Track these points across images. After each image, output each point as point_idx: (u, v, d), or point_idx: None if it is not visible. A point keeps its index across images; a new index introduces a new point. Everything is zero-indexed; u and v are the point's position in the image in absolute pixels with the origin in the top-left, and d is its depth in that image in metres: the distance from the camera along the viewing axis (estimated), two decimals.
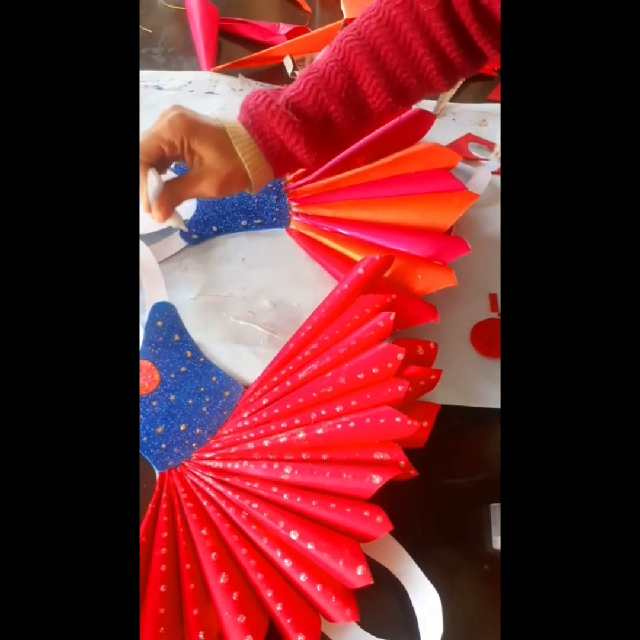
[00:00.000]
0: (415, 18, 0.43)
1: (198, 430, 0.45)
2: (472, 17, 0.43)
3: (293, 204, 0.58)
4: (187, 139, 0.43)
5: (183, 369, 0.48)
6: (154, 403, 0.46)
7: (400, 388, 0.41)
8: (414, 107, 0.64)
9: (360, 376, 0.42)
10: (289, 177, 0.60)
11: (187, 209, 0.57)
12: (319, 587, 0.36)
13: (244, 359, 0.49)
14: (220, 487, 0.41)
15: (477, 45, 0.45)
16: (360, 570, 0.36)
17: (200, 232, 0.56)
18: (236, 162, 0.44)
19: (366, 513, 0.37)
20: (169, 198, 0.44)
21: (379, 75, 0.45)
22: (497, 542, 0.41)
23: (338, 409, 0.42)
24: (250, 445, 0.42)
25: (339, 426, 0.41)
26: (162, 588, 0.36)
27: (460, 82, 0.51)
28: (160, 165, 0.44)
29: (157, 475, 0.43)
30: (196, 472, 0.43)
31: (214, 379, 0.47)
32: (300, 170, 0.58)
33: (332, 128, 0.46)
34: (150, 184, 0.43)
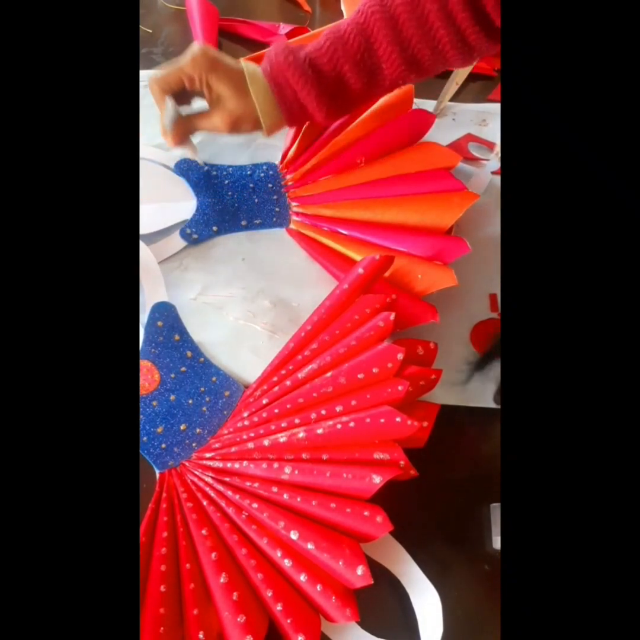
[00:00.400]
0: None
1: (198, 430, 0.45)
2: None
3: (293, 204, 0.58)
4: (206, 75, 0.46)
5: (183, 368, 0.48)
6: (154, 403, 0.46)
7: (400, 388, 0.41)
8: (414, 106, 0.65)
9: (360, 376, 0.42)
10: (289, 177, 0.60)
11: (188, 209, 0.57)
12: (319, 587, 0.36)
13: (244, 359, 0.49)
14: (220, 487, 0.41)
15: (494, 24, 0.46)
16: (360, 570, 0.36)
17: (200, 232, 0.56)
18: (249, 104, 0.47)
19: (366, 513, 0.37)
20: (184, 125, 0.49)
21: (395, 42, 0.46)
22: (497, 542, 0.41)
23: (338, 408, 0.42)
24: (250, 445, 0.42)
25: (339, 426, 0.41)
26: (162, 588, 0.36)
27: (475, 62, 0.52)
28: (180, 97, 0.48)
29: (157, 475, 0.43)
30: (196, 472, 0.43)
31: (214, 378, 0.47)
32: (304, 170, 0.58)
33: (344, 87, 0.48)
34: (166, 110, 0.48)
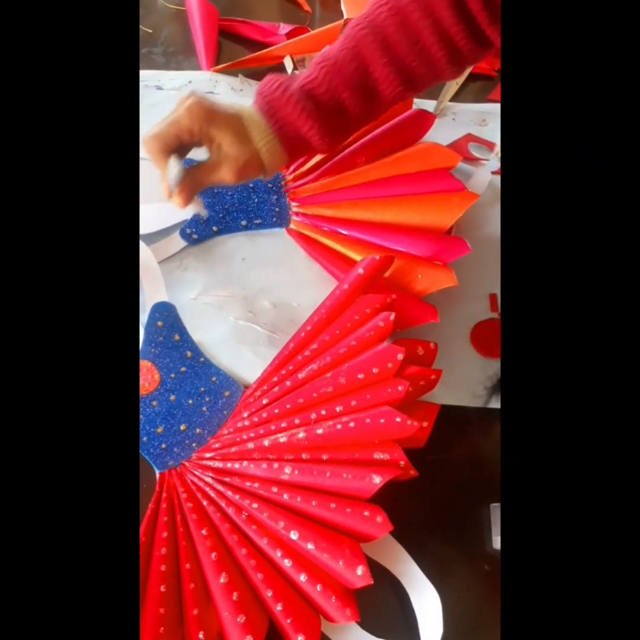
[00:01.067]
0: (425, 6, 0.44)
1: (198, 430, 0.45)
2: (480, 5, 0.43)
3: (293, 204, 0.58)
4: (206, 126, 0.43)
5: (183, 368, 0.48)
6: (154, 403, 0.46)
7: (400, 388, 0.41)
8: (414, 106, 0.65)
9: (360, 376, 0.42)
10: (289, 177, 0.60)
11: (186, 209, 0.57)
12: (319, 587, 0.36)
13: (244, 359, 0.49)
14: (220, 487, 0.41)
15: (485, 33, 0.45)
16: (360, 570, 0.36)
17: (200, 232, 0.56)
18: (252, 148, 0.45)
19: (366, 513, 0.37)
20: (190, 184, 0.45)
21: (390, 63, 0.46)
22: (497, 542, 0.41)
23: (338, 408, 0.42)
24: (250, 445, 0.42)
25: (339, 426, 0.41)
26: (162, 588, 0.36)
27: (467, 71, 0.52)
28: (179, 152, 0.45)
29: (157, 475, 0.43)
30: (196, 472, 0.43)
31: (214, 378, 0.47)
32: (302, 167, 0.58)
33: (344, 114, 0.47)
34: (170, 170, 0.44)
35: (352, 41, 0.46)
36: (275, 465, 0.41)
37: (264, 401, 0.45)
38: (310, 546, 0.37)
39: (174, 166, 0.44)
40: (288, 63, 0.72)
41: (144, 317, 0.49)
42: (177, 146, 0.44)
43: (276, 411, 0.44)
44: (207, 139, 0.44)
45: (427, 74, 0.47)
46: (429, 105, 0.68)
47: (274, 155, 0.46)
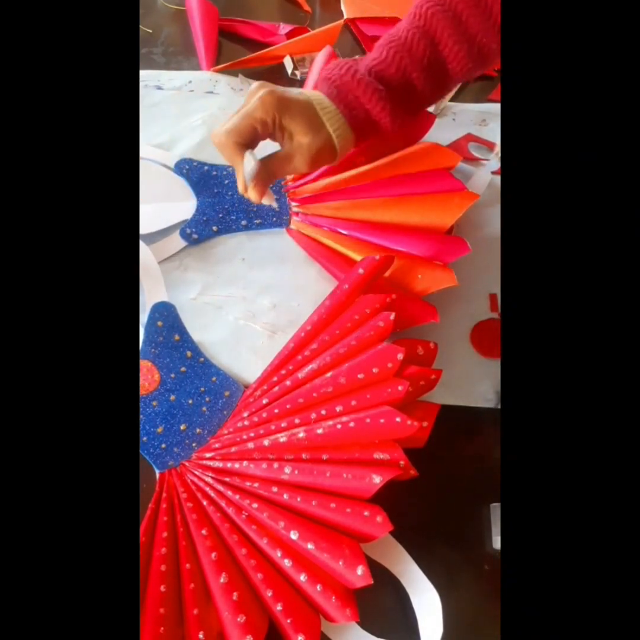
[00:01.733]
0: None
1: (198, 430, 0.45)
2: None
3: (293, 204, 0.58)
4: (279, 116, 0.43)
5: (183, 368, 0.48)
6: (154, 403, 0.46)
7: (400, 388, 0.41)
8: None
9: (360, 376, 0.42)
10: (289, 177, 0.60)
11: (188, 209, 0.57)
12: (319, 587, 0.36)
13: (244, 359, 0.49)
14: (220, 487, 0.41)
15: None
16: (360, 570, 0.36)
17: (200, 232, 0.56)
18: (325, 135, 0.45)
19: (366, 513, 0.37)
20: (264, 177, 0.45)
21: (461, 41, 0.46)
22: (497, 542, 0.41)
23: (338, 408, 0.42)
24: (250, 445, 0.42)
25: (339, 426, 0.41)
26: (162, 588, 0.36)
27: None
28: (252, 145, 0.44)
29: (157, 475, 0.43)
30: (196, 472, 0.43)
31: (214, 378, 0.47)
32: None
33: (414, 94, 0.47)
34: (247, 164, 0.43)
35: (421, 20, 0.46)
36: (275, 465, 0.41)
37: (264, 401, 0.45)
38: (310, 546, 0.37)
39: (250, 160, 0.43)
40: (288, 63, 0.72)
41: (143, 317, 0.49)
42: (251, 139, 0.44)
43: (276, 411, 0.44)
44: (279, 129, 0.44)
45: (496, 50, 0.47)
46: None
47: (345, 139, 0.46)
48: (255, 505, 0.39)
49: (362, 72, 0.45)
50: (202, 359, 0.48)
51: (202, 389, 0.47)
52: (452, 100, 0.70)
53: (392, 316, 0.44)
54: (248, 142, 0.44)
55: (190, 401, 0.46)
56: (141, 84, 0.69)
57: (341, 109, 0.45)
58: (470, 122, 0.69)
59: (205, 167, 0.60)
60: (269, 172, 0.45)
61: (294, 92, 0.45)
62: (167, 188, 0.59)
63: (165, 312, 0.50)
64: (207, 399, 0.46)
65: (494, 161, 0.63)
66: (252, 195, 0.45)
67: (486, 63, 0.49)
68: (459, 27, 0.45)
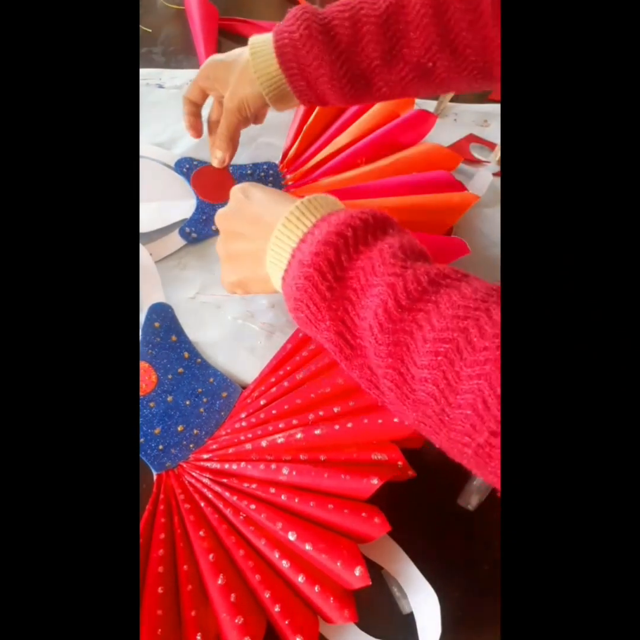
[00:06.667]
0: None
1: (195, 431, 0.45)
2: None
3: None
4: (214, 78, 0.51)
5: (180, 370, 0.47)
6: (152, 404, 0.45)
7: None
8: (416, 107, 0.64)
9: None
10: (290, 176, 0.60)
11: (187, 208, 0.57)
12: (317, 588, 0.36)
13: (242, 359, 0.49)
14: (217, 488, 0.41)
15: None
16: (358, 571, 0.35)
17: (199, 231, 0.56)
18: (254, 88, 0.49)
19: (364, 514, 0.37)
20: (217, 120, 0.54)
21: (434, 17, 0.42)
22: (474, 501, 0.41)
23: (336, 409, 0.42)
24: (248, 446, 0.42)
25: (336, 427, 0.40)
26: (160, 589, 0.36)
27: None
28: (201, 100, 0.55)
29: (155, 477, 0.43)
30: (194, 473, 0.43)
31: (211, 379, 0.47)
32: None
33: (362, 55, 0.45)
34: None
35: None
36: (273, 466, 0.41)
37: (262, 402, 0.45)
38: (308, 547, 0.37)
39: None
40: None
41: (141, 318, 0.49)
42: (200, 98, 0.54)
43: (274, 412, 0.43)
44: (222, 87, 0.51)
45: (480, 47, 0.43)
46: (430, 105, 0.68)
47: (277, 94, 0.49)
48: (253, 506, 0.39)
49: (313, 16, 0.47)
50: (199, 360, 0.48)
51: (200, 390, 0.47)
52: (453, 100, 0.70)
53: None
54: (199, 100, 0.54)
55: (187, 402, 0.46)
56: (142, 83, 0.69)
57: (276, 55, 0.49)
58: (471, 122, 0.69)
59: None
60: (218, 113, 0.53)
61: (234, 53, 0.51)
62: (167, 187, 0.59)
63: (163, 313, 0.50)
64: (204, 400, 0.46)
65: (493, 165, 0.63)
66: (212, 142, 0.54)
67: (461, 59, 0.44)
68: (439, 7, 0.42)
